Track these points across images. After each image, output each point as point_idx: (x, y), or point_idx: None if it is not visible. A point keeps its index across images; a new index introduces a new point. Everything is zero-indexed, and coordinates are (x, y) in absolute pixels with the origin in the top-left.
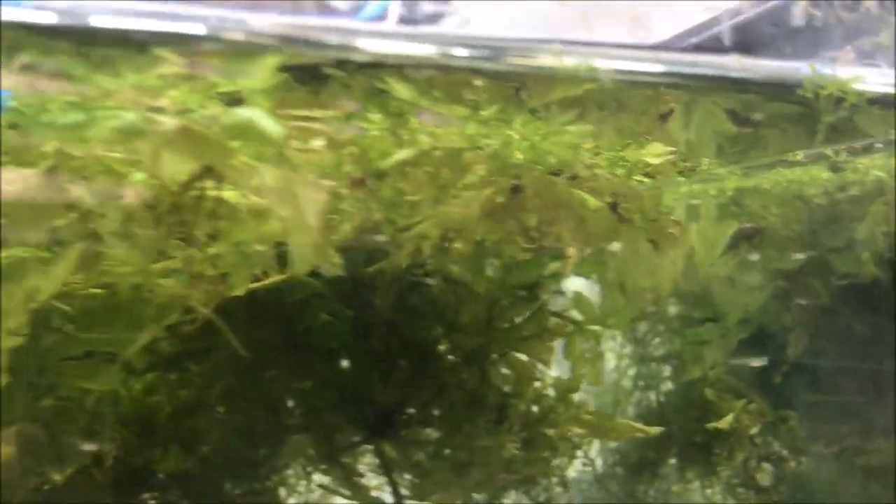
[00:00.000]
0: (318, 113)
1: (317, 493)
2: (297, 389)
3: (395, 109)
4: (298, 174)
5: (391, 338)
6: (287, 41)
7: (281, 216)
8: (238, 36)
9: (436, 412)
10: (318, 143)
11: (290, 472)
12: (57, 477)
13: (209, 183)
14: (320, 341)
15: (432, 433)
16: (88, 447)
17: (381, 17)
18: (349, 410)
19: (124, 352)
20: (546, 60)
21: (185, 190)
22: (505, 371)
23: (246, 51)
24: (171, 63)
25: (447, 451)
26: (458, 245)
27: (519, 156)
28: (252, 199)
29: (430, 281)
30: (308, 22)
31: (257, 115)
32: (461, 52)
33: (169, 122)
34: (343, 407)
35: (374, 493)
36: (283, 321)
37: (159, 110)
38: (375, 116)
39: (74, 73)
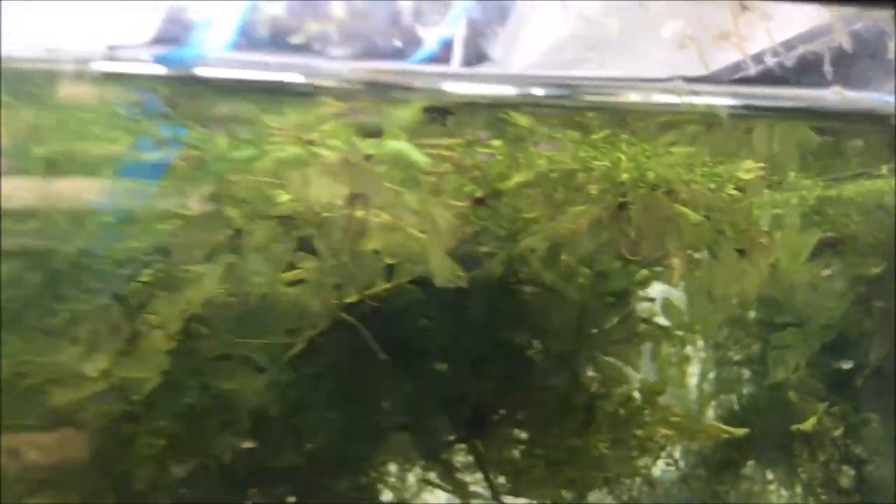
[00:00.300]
0: (445, 141)
1: (414, 488)
2: (398, 390)
3: (513, 136)
4: (432, 196)
5: (486, 342)
6: (409, 89)
7: (420, 233)
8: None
9: (527, 413)
10: (445, 167)
11: (391, 468)
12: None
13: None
14: (419, 345)
15: (524, 433)
16: (221, 443)
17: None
18: (446, 411)
19: (256, 355)
20: (663, 98)
21: (327, 210)
22: (594, 374)
23: (393, 98)
24: (329, 105)
25: (539, 450)
26: (563, 257)
27: (625, 175)
28: (392, 217)
29: (524, 288)
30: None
31: (406, 148)
32: (570, 90)
33: (331, 155)
34: (440, 407)
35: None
36: (387, 326)
37: (319, 144)
38: (496, 143)
39: (246, 115)
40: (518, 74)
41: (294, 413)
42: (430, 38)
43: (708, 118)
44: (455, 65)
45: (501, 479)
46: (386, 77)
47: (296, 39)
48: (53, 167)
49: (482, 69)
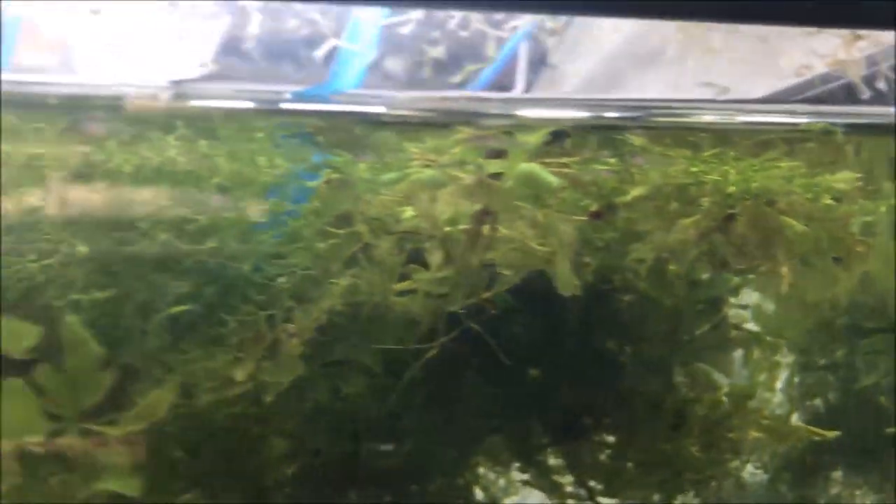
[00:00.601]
0: (564, 160)
1: (507, 490)
2: (494, 394)
3: (627, 153)
4: (555, 212)
5: (580, 347)
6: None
7: (540, 246)
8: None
9: (619, 416)
10: (564, 184)
11: (485, 469)
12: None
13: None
14: (515, 351)
15: (616, 436)
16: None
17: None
18: (540, 414)
19: (368, 360)
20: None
21: (450, 224)
22: (685, 379)
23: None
24: (462, 132)
25: (630, 453)
26: (671, 266)
27: (732, 188)
28: (517, 231)
29: (619, 296)
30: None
31: (536, 169)
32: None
33: (467, 177)
34: (534, 411)
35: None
36: (485, 333)
37: (453, 167)
38: (610, 160)
39: (388, 142)
40: (626, 99)
41: (399, 416)
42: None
43: (807, 135)
44: (521, 73)
45: (593, 482)
46: (493, 106)
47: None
48: (225, 191)
49: (591, 96)
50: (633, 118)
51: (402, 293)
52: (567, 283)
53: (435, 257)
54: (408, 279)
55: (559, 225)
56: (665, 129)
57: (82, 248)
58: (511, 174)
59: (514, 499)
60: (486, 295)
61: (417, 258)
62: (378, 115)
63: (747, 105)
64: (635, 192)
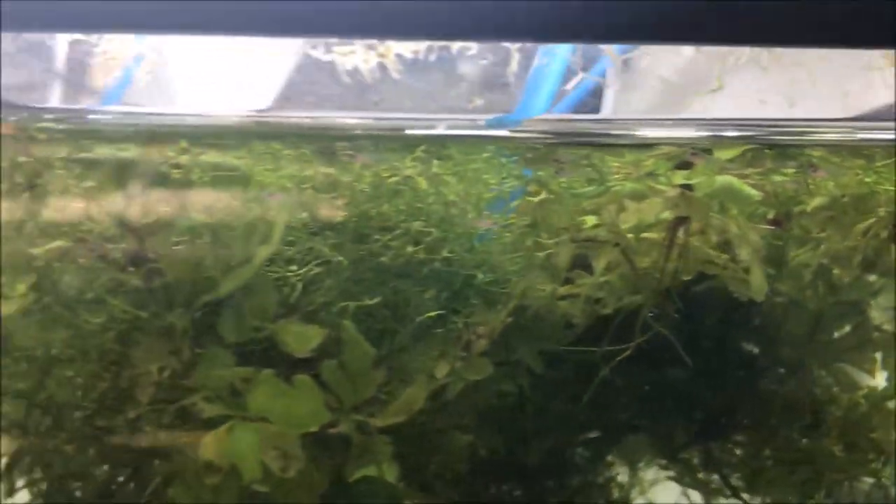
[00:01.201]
0: (747, 171)
1: (645, 487)
2: (636, 395)
3: (805, 164)
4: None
5: (719, 349)
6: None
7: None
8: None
9: (760, 416)
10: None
11: (624, 467)
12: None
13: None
14: (656, 353)
15: (756, 435)
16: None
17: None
18: (680, 414)
19: (532, 360)
20: None
21: (633, 232)
22: (826, 379)
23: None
24: (661, 148)
25: (772, 452)
26: (835, 271)
27: None
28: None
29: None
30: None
31: (735, 182)
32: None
33: (671, 190)
34: (677, 410)
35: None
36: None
37: (652, 180)
38: (788, 171)
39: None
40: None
41: (548, 414)
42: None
43: None
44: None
45: (735, 480)
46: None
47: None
48: (453, 205)
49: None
50: (750, 137)
51: (563, 297)
52: (760, 288)
53: (600, 263)
54: (571, 283)
55: (750, 233)
56: (794, 146)
57: (342, 259)
58: (708, 186)
59: (649, 497)
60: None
61: (582, 264)
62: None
63: (856, 122)
64: (815, 201)
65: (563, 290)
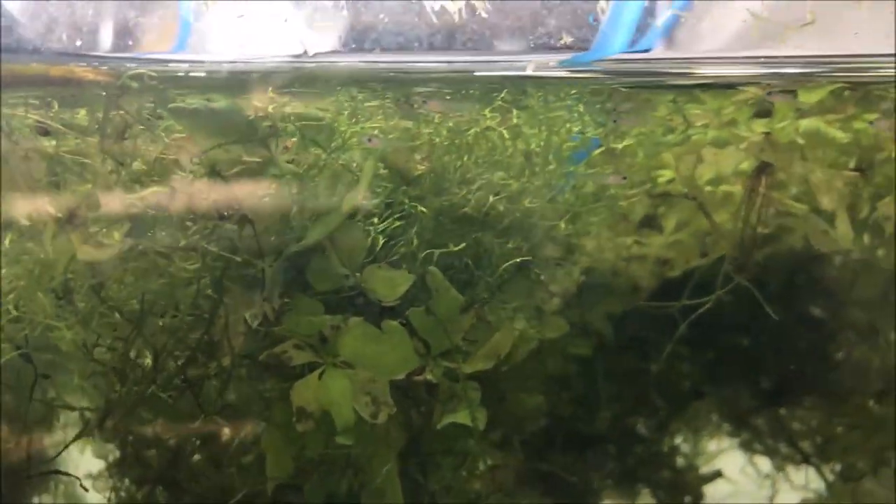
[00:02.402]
0: (829, 118)
1: (710, 454)
2: (702, 361)
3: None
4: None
5: (787, 313)
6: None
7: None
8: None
9: (830, 381)
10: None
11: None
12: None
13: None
14: (723, 318)
15: (826, 401)
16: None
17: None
18: (747, 380)
19: (599, 324)
20: None
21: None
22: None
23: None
24: (747, 92)
25: (842, 419)
26: None
27: None
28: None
29: (830, 259)
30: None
31: (822, 126)
32: None
33: (753, 136)
34: (741, 377)
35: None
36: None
37: (734, 126)
38: (871, 116)
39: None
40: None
41: (612, 381)
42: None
43: None
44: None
45: (805, 445)
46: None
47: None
48: (533, 157)
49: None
50: (813, 74)
51: (630, 258)
52: (845, 236)
53: (670, 221)
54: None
55: (834, 180)
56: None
57: (423, 209)
58: (796, 131)
59: (722, 465)
60: (704, 261)
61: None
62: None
63: None
64: None
65: (633, 251)
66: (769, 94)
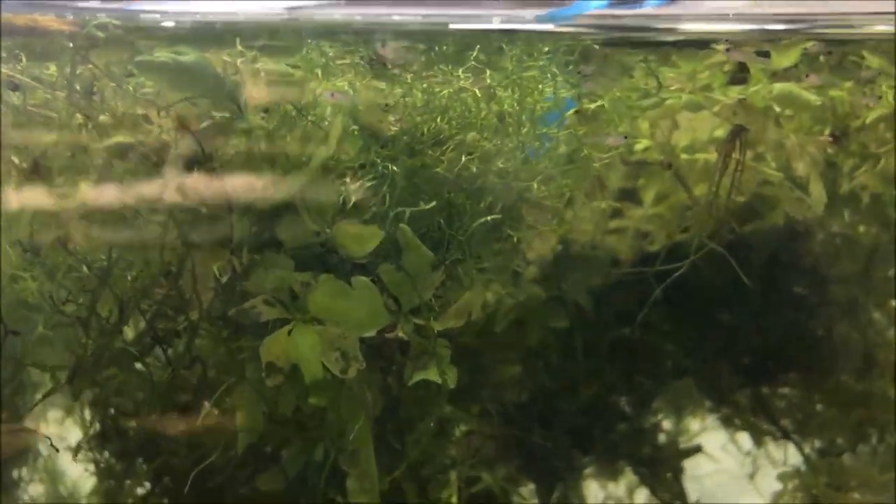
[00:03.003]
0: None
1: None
2: (683, 338)
3: (865, 77)
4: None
5: (767, 290)
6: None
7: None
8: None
9: (810, 358)
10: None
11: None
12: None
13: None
14: (705, 293)
15: (807, 378)
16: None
17: None
18: (728, 358)
19: (580, 296)
20: None
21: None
22: (881, 318)
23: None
24: (718, 53)
25: (822, 395)
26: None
27: None
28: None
29: (811, 235)
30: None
31: (795, 88)
32: None
33: (727, 99)
34: (723, 354)
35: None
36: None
37: (708, 90)
38: (847, 84)
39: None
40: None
41: (591, 357)
42: None
43: None
44: None
45: (785, 422)
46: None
47: None
48: (506, 118)
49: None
50: (800, 30)
51: (608, 231)
52: (819, 201)
53: (649, 193)
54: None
55: (808, 145)
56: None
57: (395, 168)
58: (769, 94)
59: (703, 442)
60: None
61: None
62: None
63: None
64: (873, 114)
65: (612, 224)
66: (728, 50)
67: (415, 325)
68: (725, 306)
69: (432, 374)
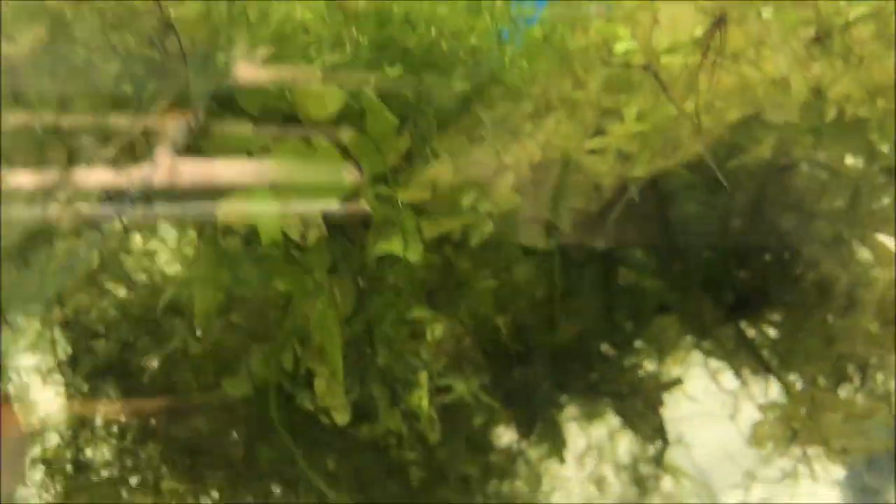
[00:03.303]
0: None
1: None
2: (663, 273)
3: None
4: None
5: (753, 226)
6: None
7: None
8: None
9: (792, 295)
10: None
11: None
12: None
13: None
14: (686, 230)
15: (789, 313)
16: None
17: None
18: (712, 292)
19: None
20: None
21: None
22: (866, 252)
23: None
24: None
25: (804, 331)
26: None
27: None
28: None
29: (796, 168)
30: None
31: None
32: None
33: None
34: (706, 289)
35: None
36: (658, 209)
37: None
38: None
39: None
40: None
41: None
42: None
43: None
44: None
45: (772, 356)
46: None
47: None
48: None
49: None
50: None
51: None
52: (799, 93)
53: (631, 110)
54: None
55: (790, 40)
56: None
57: (363, 40)
58: None
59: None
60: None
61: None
62: None
63: None
64: (856, 11)
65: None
66: None
67: (378, 195)
68: (709, 239)
69: (396, 246)
